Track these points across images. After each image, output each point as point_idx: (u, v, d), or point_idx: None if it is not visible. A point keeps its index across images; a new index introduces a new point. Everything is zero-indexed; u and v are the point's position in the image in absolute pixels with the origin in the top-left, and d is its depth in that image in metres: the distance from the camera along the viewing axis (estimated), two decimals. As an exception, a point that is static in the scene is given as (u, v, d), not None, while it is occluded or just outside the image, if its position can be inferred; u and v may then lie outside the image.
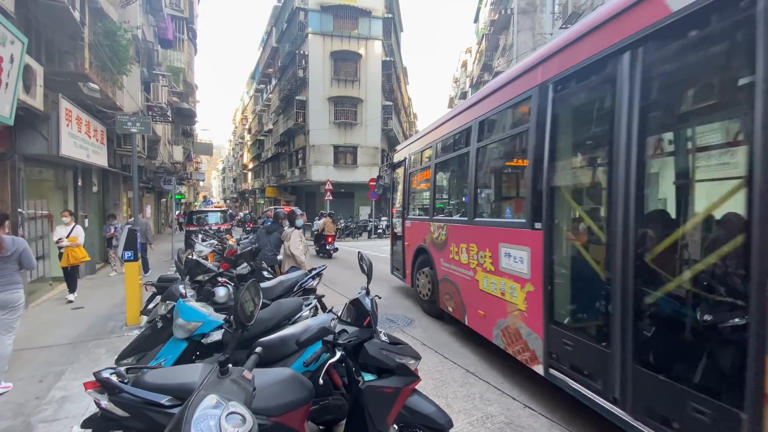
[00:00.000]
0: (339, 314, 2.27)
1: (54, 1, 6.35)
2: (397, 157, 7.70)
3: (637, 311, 2.41)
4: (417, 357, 2.15)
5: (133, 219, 10.84)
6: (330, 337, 1.93)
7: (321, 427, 2.17)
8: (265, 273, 5.85)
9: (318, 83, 25.29)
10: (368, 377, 1.96)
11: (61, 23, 7.18)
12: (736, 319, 1.98)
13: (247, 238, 9.24)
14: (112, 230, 9.49)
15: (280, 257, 6.31)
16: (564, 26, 10.60)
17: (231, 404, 1.20)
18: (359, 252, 2.78)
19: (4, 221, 3.96)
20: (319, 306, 4.19)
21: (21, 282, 4.00)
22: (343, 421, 2.09)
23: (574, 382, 2.88)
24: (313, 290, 4.58)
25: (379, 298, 2.55)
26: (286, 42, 29.94)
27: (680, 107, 2.61)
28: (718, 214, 2.24)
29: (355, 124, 25.77)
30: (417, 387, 2.12)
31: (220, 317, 2.95)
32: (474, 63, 34.65)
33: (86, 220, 9.68)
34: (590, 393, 2.72)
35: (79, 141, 7.59)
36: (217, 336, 2.87)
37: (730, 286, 2.12)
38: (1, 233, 3.88)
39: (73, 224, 7.16)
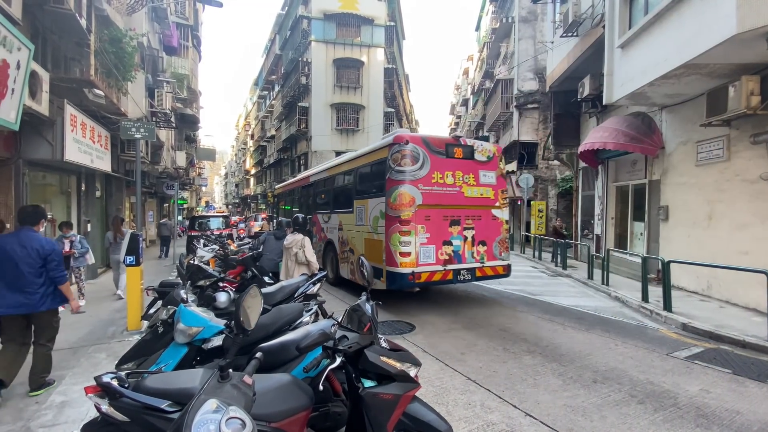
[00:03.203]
0: (339, 320, 2.27)
1: (61, 9, 6.43)
2: (276, 191, 17.00)
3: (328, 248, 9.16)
4: (417, 364, 2.14)
5: (165, 220, 14.91)
6: (330, 343, 1.93)
7: (320, 433, 2.16)
8: (266, 278, 5.84)
9: (320, 90, 25.47)
10: (368, 384, 1.95)
11: (67, 30, 7.27)
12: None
13: (248, 244, 9.26)
14: (68, 246, 6.41)
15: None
16: (564, 35, 10.66)
17: (231, 409, 1.21)
18: (359, 258, 2.79)
19: (123, 221, 7.81)
20: (319, 312, 4.18)
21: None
22: (343, 428, 2.08)
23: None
24: (314, 296, 4.57)
25: (380, 304, 2.55)
26: (290, 49, 30.21)
27: (320, 196, 10.22)
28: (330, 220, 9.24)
29: (357, 130, 25.90)
30: (417, 394, 2.11)
31: (221, 322, 2.95)
32: (475, 70, 34.85)
33: (89, 225, 9.72)
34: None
35: (84, 146, 7.64)
36: (217, 341, 2.87)
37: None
38: (122, 227, 7.69)
39: None
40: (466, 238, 6.82)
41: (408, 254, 6.29)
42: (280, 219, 7.23)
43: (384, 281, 6.52)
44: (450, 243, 6.67)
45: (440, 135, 7.18)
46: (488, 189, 7.18)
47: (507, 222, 7.45)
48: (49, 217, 8.24)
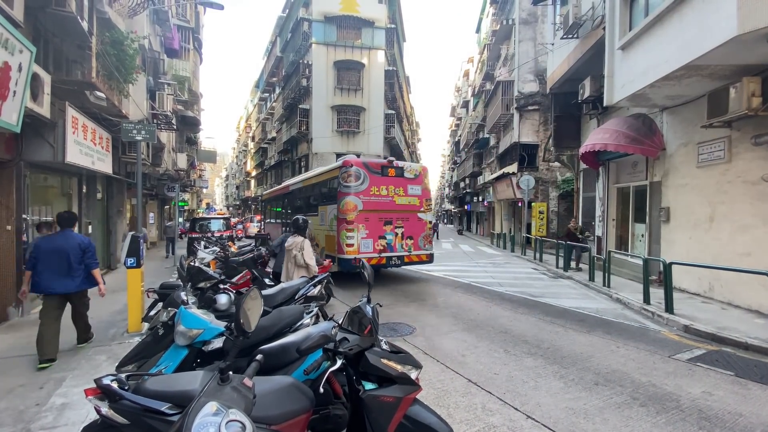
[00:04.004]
0: (340, 322, 2.27)
1: (63, 12, 6.46)
2: (264, 197, 20.50)
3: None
4: (418, 366, 2.14)
5: (171, 222, 16.18)
6: (331, 345, 1.93)
7: (321, 436, 2.15)
8: (266, 280, 5.83)
9: (321, 92, 25.50)
10: (369, 386, 1.95)
11: (69, 33, 7.29)
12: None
13: (248, 245, 9.26)
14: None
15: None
16: (565, 36, 10.67)
17: (231, 412, 1.20)
18: (360, 260, 2.78)
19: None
20: (320, 314, 4.17)
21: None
22: (344, 431, 2.07)
23: None
24: (314, 298, 4.57)
25: (380, 306, 2.55)
26: (290, 51, 30.26)
27: (296, 202, 13.10)
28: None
29: (357, 132, 25.91)
30: (418, 396, 2.10)
31: (221, 324, 2.94)
32: (476, 72, 34.89)
33: (90, 227, 9.73)
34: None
35: (85, 148, 7.65)
36: (218, 343, 2.86)
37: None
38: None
39: None
40: (396, 234, 9.23)
41: (352, 245, 8.58)
42: (296, 217, 7.30)
43: (337, 265, 8.69)
44: (384, 237, 9.03)
45: (378, 159, 9.84)
46: (415, 198, 9.55)
47: (431, 222, 9.98)
48: (49, 219, 8.26)
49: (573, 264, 11.69)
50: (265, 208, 19.21)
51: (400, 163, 9.57)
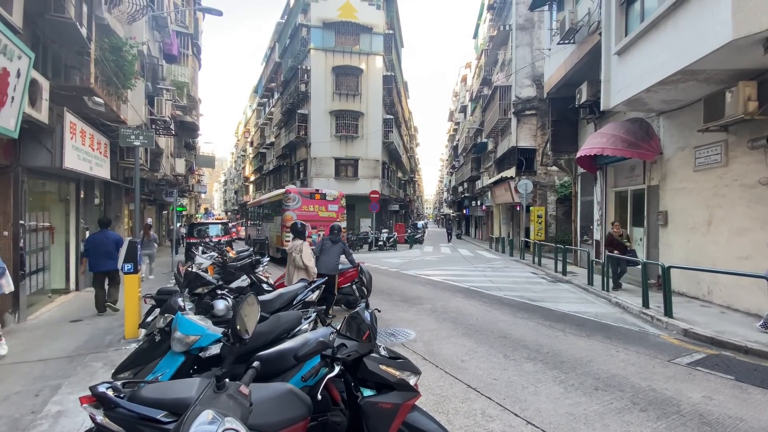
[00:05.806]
0: (338, 328, 2.25)
1: (61, 18, 6.47)
2: (248, 205, 26.09)
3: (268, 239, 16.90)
4: (417, 372, 2.12)
5: (173, 227, 16.93)
6: (329, 352, 1.92)
7: (319, 443, 2.13)
8: (264, 286, 5.81)
9: (320, 97, 25.59)
10: (367, 392, 1.93)
11: (68, 39, 7.31)
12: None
13: (247, 250, 9.24)
14: None
15: (342, 266, 6.69)
16: (561, 42, 10.74)
17: (227, 420, 1.19)
18: (359, 264, 2.77)
19: (150, 227, 11.51)
20: (318, 319, 4.15)
21: (155, 245, 11.52)
22: (342, 438, 2.05)
23: None
24: (312, 303, 4.54)
25: (379, 311, 2.53)
26: (289, 57, 30.40)
27: (265, 212, 18.57)
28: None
29: (356, 137, 25.98)
30: (417, 403, 2.09)
31: (218, 330, 2.92)
32: (473, 77, 35.08)
33: (87, 232, 9.68)
34: None
35: (83, 154, 7.64)
36: (215, 349, 2.84)
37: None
38: (150, 232, 11.17)
39: None
40: (319, 235, 13.14)
41: (288, 241, 11.27)
42: (333, 224, 7.17)
43: (279, 253, 13.90)
44: (310, 237, 12.03)
45: (309, 189, 16.50)
46: (333, 213, 15.22)
47: (344, 227, 13.69)
48: (47, 225, 8.23)
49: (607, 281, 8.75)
50: (248, 214, 25.11)
51: (324, 191, 15.66)
